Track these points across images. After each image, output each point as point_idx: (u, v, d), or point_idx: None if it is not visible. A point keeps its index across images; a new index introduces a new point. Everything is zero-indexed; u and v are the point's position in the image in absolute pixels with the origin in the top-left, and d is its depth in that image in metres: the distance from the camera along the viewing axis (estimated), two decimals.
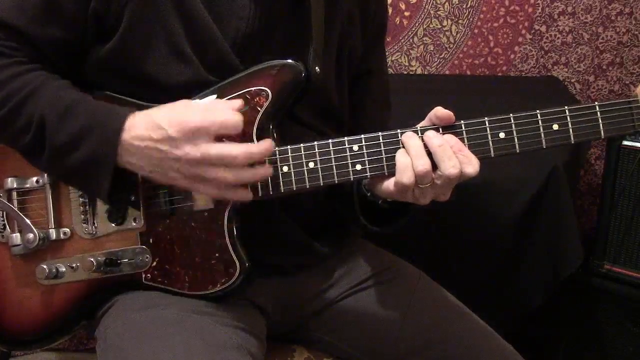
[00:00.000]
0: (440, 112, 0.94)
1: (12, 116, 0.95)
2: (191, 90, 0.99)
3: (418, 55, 2.16)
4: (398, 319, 1.13)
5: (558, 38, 2.12)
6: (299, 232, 1.10)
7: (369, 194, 1.04)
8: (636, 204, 1.65)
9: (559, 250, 1.53)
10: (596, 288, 1.72)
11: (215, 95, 0.98)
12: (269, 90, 0.97)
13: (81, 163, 0.93)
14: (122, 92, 1.01)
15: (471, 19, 2.11)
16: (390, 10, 2.10)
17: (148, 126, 0.90)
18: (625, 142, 1.65)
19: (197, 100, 0.96)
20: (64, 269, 1.02)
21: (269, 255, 1.06)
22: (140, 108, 0.97)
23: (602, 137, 0.93)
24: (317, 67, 0.99)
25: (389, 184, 0.95)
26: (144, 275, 1.01)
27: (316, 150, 0.96)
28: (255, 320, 1.07)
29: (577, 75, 2.14)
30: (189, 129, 0.88)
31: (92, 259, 1.00)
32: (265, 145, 0.92)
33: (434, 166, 0.91)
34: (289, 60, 0.97)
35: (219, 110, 0.91)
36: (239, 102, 0.94)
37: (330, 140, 0.96)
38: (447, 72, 2.17)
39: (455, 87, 2.06)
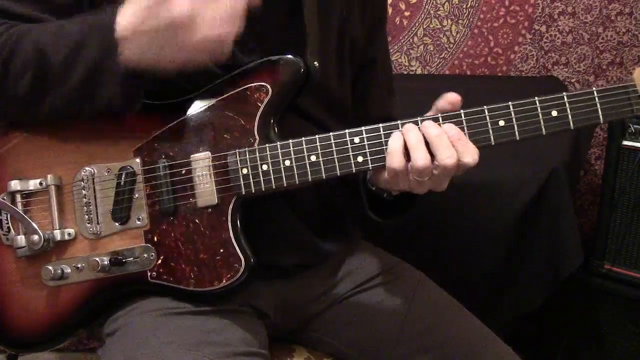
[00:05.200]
0: (451, 96, 0.93)
1: (7, 64, 0.93)
2: (193, 78, 0.98)
3: (418, 55, 2.16)
4: (398, 321, 1.13)
5: (558, 38, 2.12)
6: (303, 230, 1.10)
7: (374, 188, 1.05)
8: (636, 204, 1.65)
9: (559, 250, 1.53)
10: (596, 288, 1.73)
11: (213, 101, 0.98)
12: (268, 86, 0.97)
13: (87, 71, 0.91)
14: None
15: (471, 19, 2.11)
16: (390, 11, 2.10)
17: (141, 13, 0.87)
18: (625, 142, 1.65)
19: None
20: (69, 270, 1.01)
21: (272, 255, 1.05)
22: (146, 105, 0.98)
23: (602, 122, 0.93)
24: (315, 62, 1.00)
25: (385, 173, 0.96)
26: (149, 274, 1.00)
27: (317, 143, 0.96)
28: (259, 335, 1.07)
29: (577, 75, 2.15)
30: None
31: (97, 259, 1.00)
32: None
33: (432, 157, 0.91)
34: (288, 56, 0.98)
35: None
36: None
37: (331, 134, 0.96)
38: (447, 72, 2.17)
39: (455, 87, 2.05)
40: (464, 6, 2.10)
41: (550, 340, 1.81)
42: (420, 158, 0.90)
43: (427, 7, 2.11)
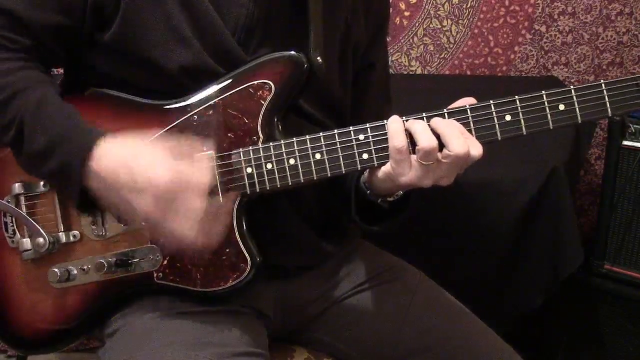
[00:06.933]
0: (469, 100, 0.93)
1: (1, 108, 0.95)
2: (193, 75, 0.99)
3: (418, 55, 2.16)
4: (398, 320, 1.13)
5: (558, 38, 2.12)
6: (305, 231, 1.10)
7: (368, 192, 1.03)
8: (636, 204, 1.65)
9: (559, 250, 1.54)
10: (596, 288, 1.73)
11: (216, 100, 0.98)
12: (272, 83, 0.97)
13: (52, 172, 0.94)
14: (126, 77, 1.01)
15: (471, 19, 2.11)
16: (390, 11, 2.10)
17: (119, 164, 0.90)
18: (625, 142, 1.65)
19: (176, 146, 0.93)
20: (75, 272, 1.01)
21: (273, 256, 1.05)
22: (133, 105, 1.00)
23: (610, 115, 0.92)
24: (318, 57, 0.99)
25: (387, 166, 0.95)
26: (155, 274, 1.00)
27: (322, 141, 0.96)
28: (259, 335, 1.07)
29: (577, 75, 2.15)
30: (158, 191, 0.88)
31: (102, 261, 1.00)
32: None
33: (441, 147, 0.90)
34: (291, 52, 0.98)
35: (195, 173, 0.90)
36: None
37: (335, 131, 0.95)
38: (447, 72, 2.17)
39: (455, 87, 2.06)
40: (464, 6, 2.10)
41: (550, 340, 1.81)
42: (427, 140, 0.90)
43: (427, 7, 2.11)
